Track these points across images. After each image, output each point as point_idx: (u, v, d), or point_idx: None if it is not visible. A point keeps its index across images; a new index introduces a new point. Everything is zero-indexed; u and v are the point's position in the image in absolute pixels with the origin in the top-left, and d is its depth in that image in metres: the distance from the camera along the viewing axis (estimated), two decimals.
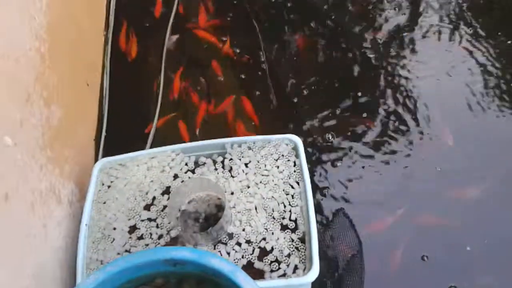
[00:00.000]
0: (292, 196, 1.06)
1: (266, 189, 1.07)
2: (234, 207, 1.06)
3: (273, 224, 1.03)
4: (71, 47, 1.31)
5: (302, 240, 1.01)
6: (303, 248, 0.99)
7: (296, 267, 0.97)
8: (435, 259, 1.18)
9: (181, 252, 0.81)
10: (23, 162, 0.96)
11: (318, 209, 1.26)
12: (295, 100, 1.52)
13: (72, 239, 1.09)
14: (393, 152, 1.40)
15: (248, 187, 1.08)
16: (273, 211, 1.05)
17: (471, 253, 1.19)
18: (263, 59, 1.61)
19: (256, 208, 1.06)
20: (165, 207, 1.07)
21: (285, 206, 1.05)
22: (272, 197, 1.06)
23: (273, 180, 1.09)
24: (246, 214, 1.05)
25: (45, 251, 1.00)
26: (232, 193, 1.08)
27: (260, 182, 1.09)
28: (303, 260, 0.98)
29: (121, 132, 1.43)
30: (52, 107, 1.12)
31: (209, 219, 1.04)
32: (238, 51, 1.64)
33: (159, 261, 0.81)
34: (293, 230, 1.01)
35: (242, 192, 1.08)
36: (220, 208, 1.05)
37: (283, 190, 1.07)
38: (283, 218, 1.04)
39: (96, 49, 1.55)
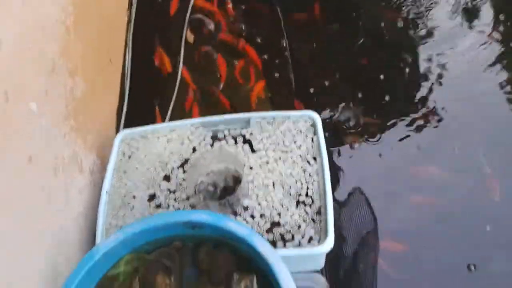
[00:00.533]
0: (310, 174, 1.07)
1: (285, 166, 1.08)
2: (252, 182, 1.07)
3: (289, 200, 1.04)
4: (96, 23, 1.33)
5: (318, 212, 1.01)
6: (318, 220, 1.00)
7: (311, 238, 0.98)
8: (454, 238, 1.18)
9: (200, 215, 0.83)
10: (47, 128, 0.98)
11: (334, 188, 1.26)
12: (316, 84, 1.53)
13: (92, 206, 1.12)
14: (411, 138, 1.40)
15: (267, 163, 1.09)
16: (290, 188, 1.05)
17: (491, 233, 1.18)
18: (284, 45, 1.62)
19: (273, 184, 1.07)
20: (184, 180, 1.08)
21: (302, 184, 1.06)
22: (291, 174, 1.07)
23: (291, 157, 1.10)
24: (263, 189, 1.06)
25: (66, 215, 1.02)
26: (251, 168, 1.09)
27: (279, 158, 1.10)
28: (318, 232, 0.99)
29: (142, 108, 1.45)
30: (76, 79, 1.15)
31: (227, 191, 1.06)
32: (259, 39, 1.64)
33: (178, 224, 0.83)
34: (309, 205, 1.02)
35: (261, 167, 1.09)
36: (237, 181, 1.07)
37: (301, 167, 1.08)
38: (300, 195, 1.04)
39: (120, 26, 1.57)
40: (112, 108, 1.41)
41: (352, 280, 1.09)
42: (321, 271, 1.09)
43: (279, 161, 1.10)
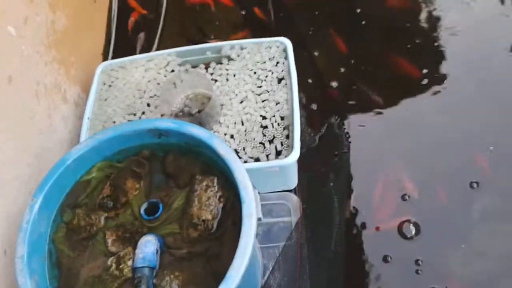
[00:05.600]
0: (280, 102, 1.10)
1: (257, 105, 1.11)
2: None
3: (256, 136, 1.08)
4: None
5: (287, 136, 1.06)
6: (286, 139, 1.04)
7: (279, 153, 1.03)
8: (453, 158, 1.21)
9: (164, 121, 0.88)
10: (27, 53, 1.04)
11: (310, 116, 1.29)
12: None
13: (76, 135, 1.18)
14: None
15: (241, 101, 1.12)
16: (262, 127, 1.08)
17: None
18: None
19: (242, 123, 1.10)
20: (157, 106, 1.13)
21: (274, 119, 1.09)
22: (264, 110, 1.10)
23: (265, 87, 1.13)
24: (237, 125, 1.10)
25: (49, 139, 1.08)
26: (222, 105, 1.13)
27: (252, 91, 1.13)
28: (286, 148, 1.04)
29: (128, 50, 1.49)
30: (57, 13, 1.20)
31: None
32: None
33: (144, 131, 0.88)
34: (279, 132, 1.06)
35: (232, 105, 1.12)
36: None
37: (273, 100, 1.11)
38: (268, 129, 1.07)
39: None
40: (98, 48, 1.46)
41: (323, 198, 1.14)
42: (294, 191, 1.14)
43: (252, 95, 1.12)
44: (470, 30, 1.46)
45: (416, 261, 1.07)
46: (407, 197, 1.16)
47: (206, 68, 1.19)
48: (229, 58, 1.18)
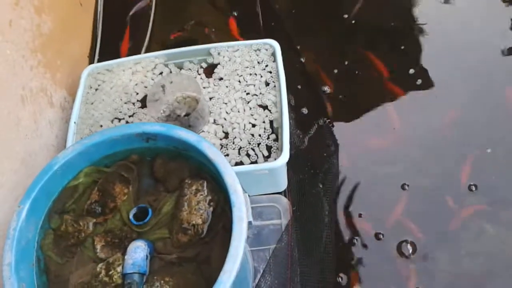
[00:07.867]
0: (268, 106, 1.09)
1: (246, 113, 1.10)
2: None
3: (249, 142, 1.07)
4: None
5: (275, 139, 1.05)
6: (275, 142, 1.04)
7: (268, 156, 1.03)
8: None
9: (152, 125, 0.87)
10: (12, 57, 1.02)
11: (299, 119, 1.29)
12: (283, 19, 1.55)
13: (63, 139, 1.16)
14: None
15: (231, 110, 1.12)
16: (252, 136, 1.08)
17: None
18: None
19: (227, 135, 1.09)
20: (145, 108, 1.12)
21: (263, 123, 1.08)
22: (253, 117, 1.10)
23: (254, 93, 1.12)
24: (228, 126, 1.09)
25: (35, 144, 1.07)
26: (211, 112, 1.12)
27: (241, 98, 1.13)
28: (275, 151, 1.03)
29: (114, 53, 1.48)
30: (43, 16, 1.18)
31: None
32: None
33: (132, 135, 0.87)
34: (267, 137, 1.06)
35: (227, 113, 1.12)
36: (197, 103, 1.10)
37: (262, 104, 1.11)
38: (259, 142, 1.06)
39: None
40: (84, 51, 1.44)
41: (313, 200, 1.14)
42: (283, 193, 1.14)
43: (241, 102, 1.12)
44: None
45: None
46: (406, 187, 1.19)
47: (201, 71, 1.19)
48: (219, 61, 1.17)
